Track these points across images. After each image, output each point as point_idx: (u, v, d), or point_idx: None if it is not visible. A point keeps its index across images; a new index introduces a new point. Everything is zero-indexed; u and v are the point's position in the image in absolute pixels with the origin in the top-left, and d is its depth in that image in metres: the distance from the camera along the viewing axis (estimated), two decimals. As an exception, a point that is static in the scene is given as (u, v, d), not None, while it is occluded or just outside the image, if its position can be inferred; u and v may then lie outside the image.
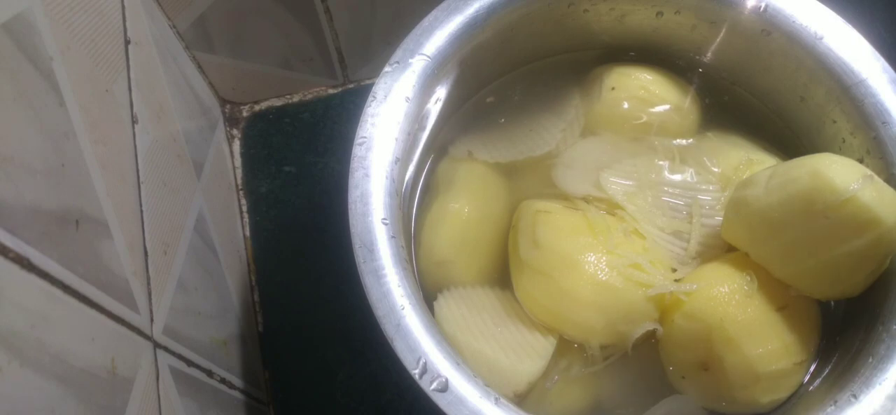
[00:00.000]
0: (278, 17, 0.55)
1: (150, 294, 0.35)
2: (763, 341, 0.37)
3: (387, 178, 0.38)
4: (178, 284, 0.40)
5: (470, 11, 0.42)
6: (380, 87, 0.40)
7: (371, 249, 0.36)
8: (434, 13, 0.42)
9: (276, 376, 0.53)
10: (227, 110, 0.61)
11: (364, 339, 0.52)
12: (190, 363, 0.39)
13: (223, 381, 0.44)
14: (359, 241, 0.36)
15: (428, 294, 0.42)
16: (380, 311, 0.35)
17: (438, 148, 0.47)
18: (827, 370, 0.39)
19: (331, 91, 0.63)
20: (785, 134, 0.47)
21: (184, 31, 0.53)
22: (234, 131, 0.61)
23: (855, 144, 0.42)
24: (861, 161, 0.41)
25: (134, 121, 0.38)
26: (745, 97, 0.48)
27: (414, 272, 0.40)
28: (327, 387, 0.53)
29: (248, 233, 0.58)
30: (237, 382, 0.47)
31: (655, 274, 0.39)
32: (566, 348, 0.41)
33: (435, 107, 0.44)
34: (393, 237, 0.37)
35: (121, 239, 0.33)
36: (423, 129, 0.44)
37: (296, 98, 0.62)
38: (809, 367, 0.40)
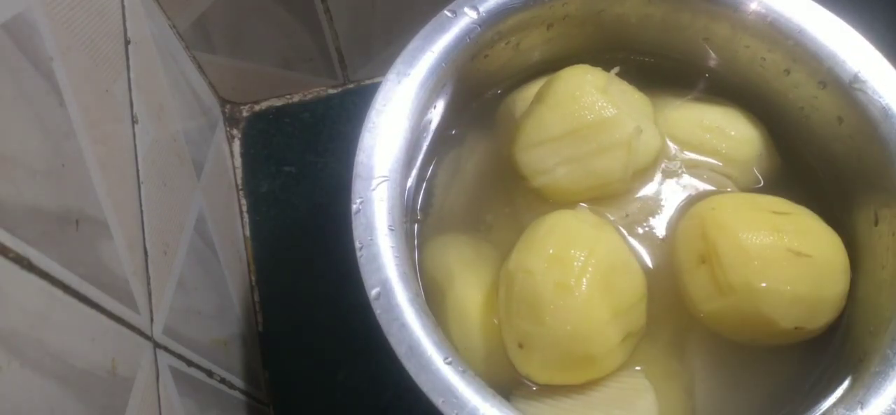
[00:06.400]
0: (278, 17, 0.55)
1: (150, 294, 0.35)
2: (753, 226, 0.38)
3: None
4: (178, 284, 0.40)
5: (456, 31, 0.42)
6: (380, 97, 0.39)
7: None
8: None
9: (276, 376, 0.53)
10: (227, 110, 0.61)
11: (364, 339, 0.52)
12: (190, 363, 0.39)
13: (223, 381, 0.44)
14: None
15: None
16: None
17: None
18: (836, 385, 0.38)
19: (331, 91, 0.63)
20: (695, 72, 0.48)
21: (184, 31, 0.53)
22: (234, 131, 0.61)
23: (776, 58, 0.43)
24: (787, 72, 0.43)
25: (134, 121, 0.38)
26: (653, 60, 0.49)
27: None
28: (327, 387, 0.53)
29: (248, 233, 0.58)
30: (237, 382, 0.47)
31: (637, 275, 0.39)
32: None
33: (436, 115, 0.44)
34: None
35: (121, 239, 0.33)
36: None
37: (296, 98, 0.62)
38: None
